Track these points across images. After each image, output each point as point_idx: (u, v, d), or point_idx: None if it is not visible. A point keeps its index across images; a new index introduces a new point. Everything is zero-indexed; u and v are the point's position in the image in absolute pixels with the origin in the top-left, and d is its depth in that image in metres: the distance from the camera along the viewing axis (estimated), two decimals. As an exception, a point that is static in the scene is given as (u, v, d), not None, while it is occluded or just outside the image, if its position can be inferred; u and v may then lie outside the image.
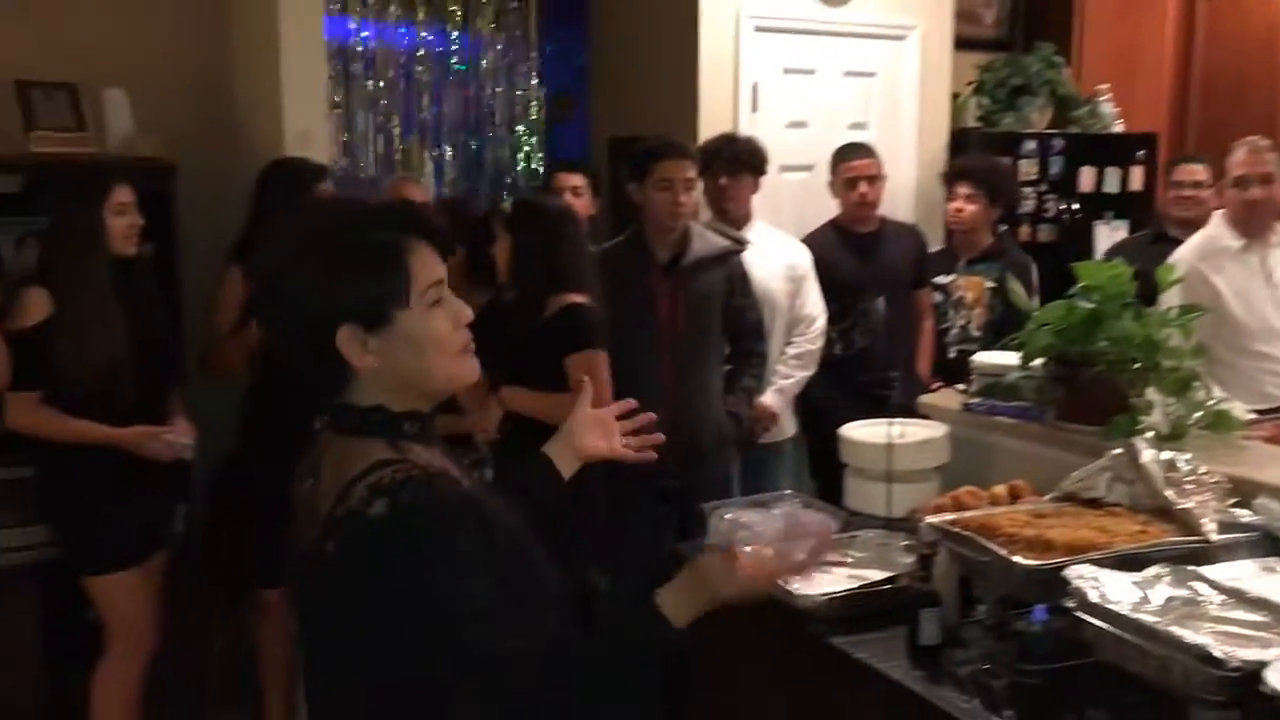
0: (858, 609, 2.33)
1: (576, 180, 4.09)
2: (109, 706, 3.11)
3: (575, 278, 3.03)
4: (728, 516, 2.84)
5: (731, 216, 3.80)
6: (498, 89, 5.08)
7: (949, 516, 2.30)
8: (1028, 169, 5.24)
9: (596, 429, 1.87)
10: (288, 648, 3.40)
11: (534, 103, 5.16)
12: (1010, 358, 2.85)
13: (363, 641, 1.39)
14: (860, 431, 2.95)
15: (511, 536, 1.47)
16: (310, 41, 3.71)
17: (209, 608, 3.60)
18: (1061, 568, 1.94)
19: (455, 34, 4.96)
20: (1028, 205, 5.22)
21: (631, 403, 1.94)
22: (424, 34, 4.88)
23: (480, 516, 1.42)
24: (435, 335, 1.47)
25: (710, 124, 4.34)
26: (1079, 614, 1.84)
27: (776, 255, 3.83)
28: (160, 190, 3.51)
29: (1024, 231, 5.17)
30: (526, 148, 5.18)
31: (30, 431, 2.96)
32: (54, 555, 3.25)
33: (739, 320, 3.51)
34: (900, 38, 4.80)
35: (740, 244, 3.58)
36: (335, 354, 1.43)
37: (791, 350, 3.81)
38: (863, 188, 4.08)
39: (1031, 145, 5.27)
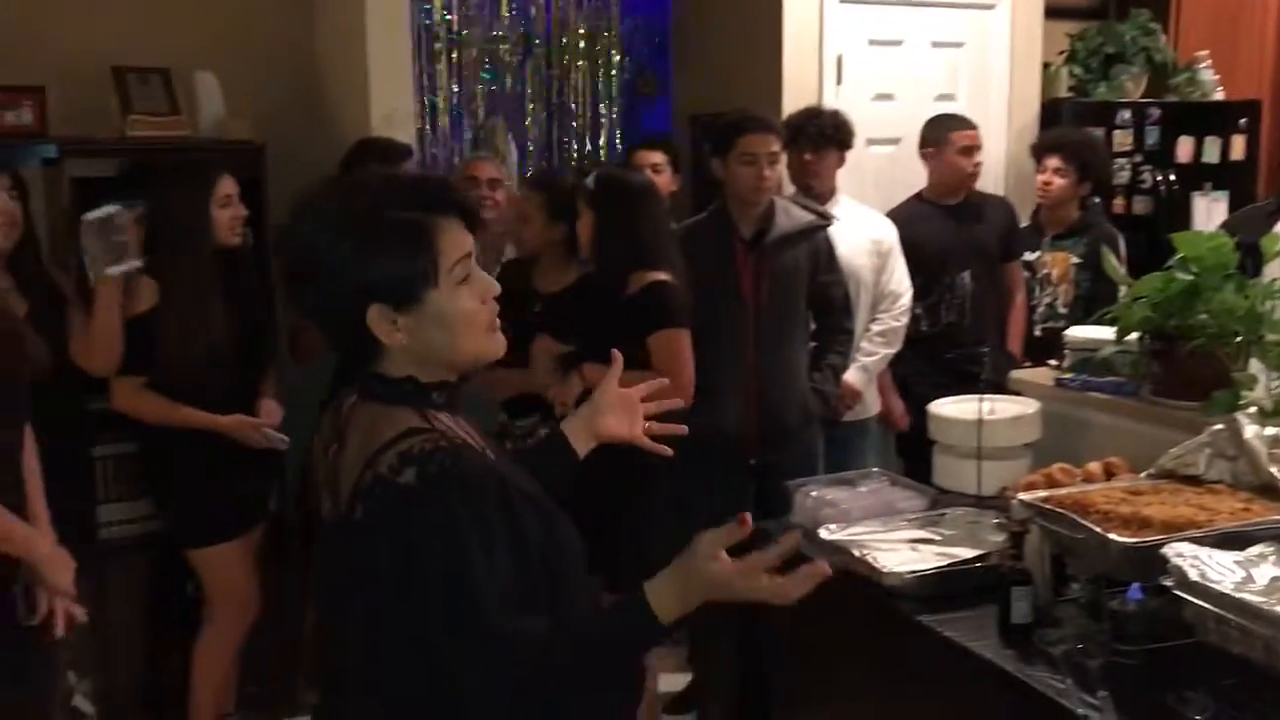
0: (947, 586, 2.30)
1: (656, 157, 4.07)
2: (208, 672, 3.22)
3: (657, 254, 3.01)
4: (813, 494, 2.84)
5: (816, 192, 3.76)
6: (578, 65, 5.09)
7: (1041, 493, 2.26)
8: (1122, 139, 5.10)
9: (620, 410, 1.82)
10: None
11: (615, 80, 5.16)
12: (1104, 332, 2.78)
13: (382, 608, 1.41)
14: (950, 408, 2.91)
15: (533, 506, 1.48)
16: (395, 23, 3.75)
17: (302, 582, 3.67)
18: (1159, 545, 1.89)
19: (536, 12, 4.97)
20: (1122, 177, 5.08)
21: (663, 382, 1.91)
22: (506, 13, 4.90)
23: (504, 488, 1.43)
24: (463, 312, 1.47)
25: (794, 97, 4.29)
26: (1178, 593, 1.79)
27: (862, 230, 3.78)
28: (251, 173, 3.57)
29: (1118, 204, 5.04)
30: (606, 125, 5.18)
31: (134, 414, 3.06)
32: (157, 528, 3.35)
33: (824, 296, 3.47)
34: (989, 6, 4.70)
35: (825, 219, 3.53)
36: (365, 330, 1.45)
37: (876, 327, 3.76)
38: (977, 157, 4.01)
39: (1126, 115, 5.12)
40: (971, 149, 4.01)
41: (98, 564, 3.27)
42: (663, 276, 2.98)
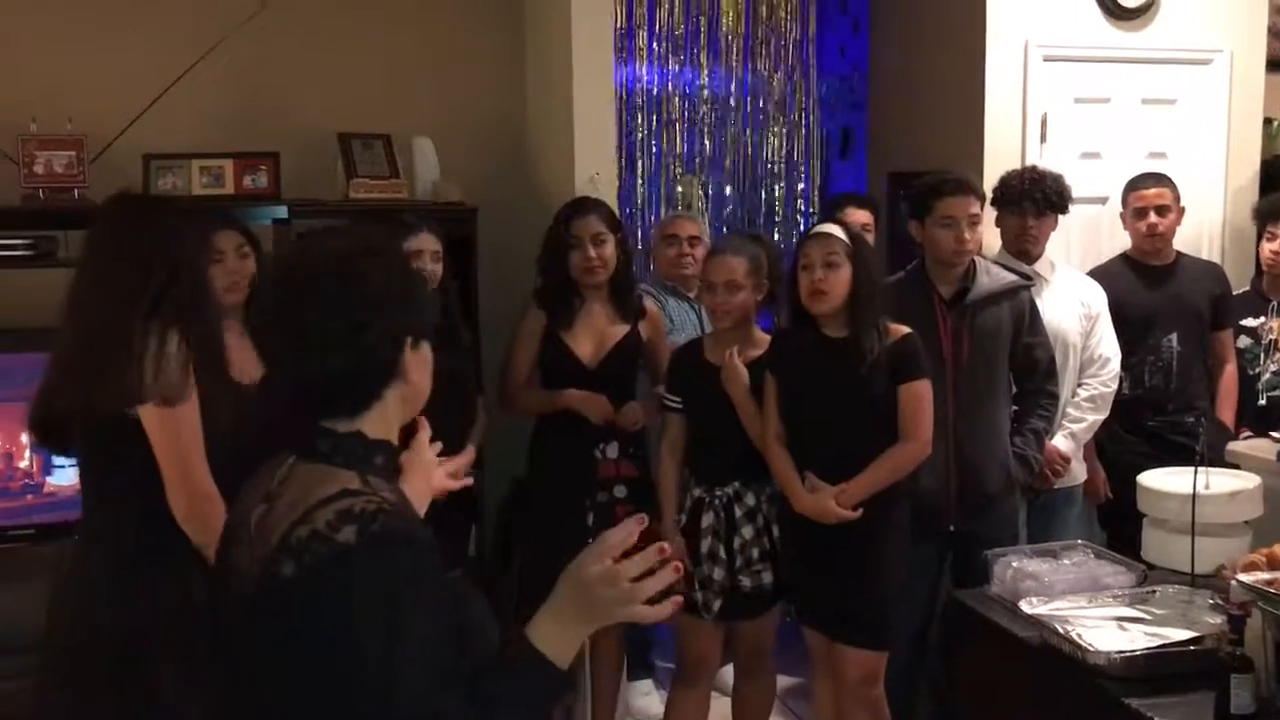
0: (1158, 669, 2.21)
1: (864, 217, 4.03)
2: None
3: (888, 309, 3.01)
4: (1014, 565, 2.77)
5: (1031, 256, 3.69)
6: (775, 127, 5.15)
7: (1264, 575, 2.15)
8: (1351, 199, 4.80)
9: (420, 477, 1.80)
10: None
11: (812, 139, 5.19)
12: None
13: (303, 671, 1.34)
14: (1161, 480, 2.80)
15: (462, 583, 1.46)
16: (600, 90, 3.87)
17: (500, 626, 3.77)
18: (1398, 639, 1.77)
19: (734, 74, 5.06)
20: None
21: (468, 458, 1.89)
22: (705, 76, 5.01)
23: (436, 558, 1.39)
24: (430, 359, 1.54)
25: (996, 157, 4.23)
26: None
27: (1070, 292, 3.69)
28: (463, 233, 3.74)
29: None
30: (801, 184, 5.21)
31: None
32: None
33: (1028, 358, 3.39)
34: (1205, 62, 4.52)
35: (1028, 279, 3.46)
36: (393, 369, 1.47)
37: (1084, 392, 3.65)
38: (1151, 218, 3.88)
39: (1356, 173, 4.83)
40: (1144, 210, 3.89)
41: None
42: (908, 330, 2.99)
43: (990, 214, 3.67)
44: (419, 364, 1.51)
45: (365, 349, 1.43)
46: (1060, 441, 3.56)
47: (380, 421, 1.48)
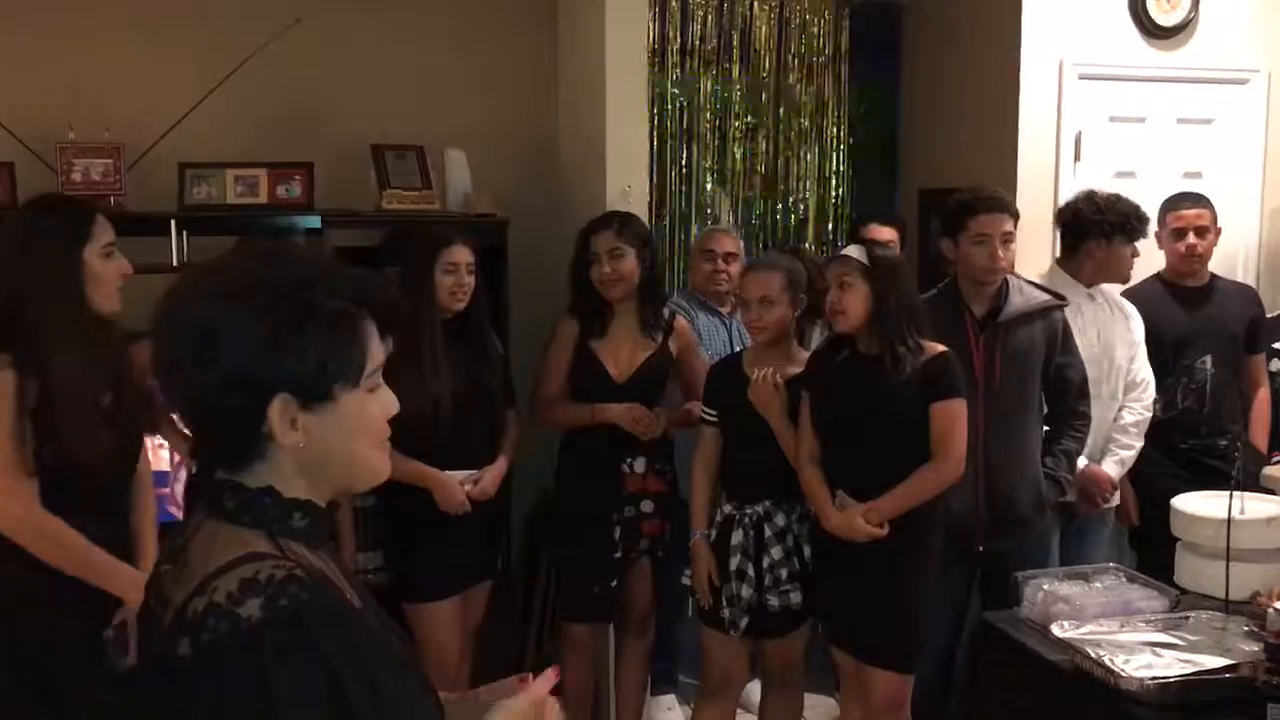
0: (1193, 696, 2.18)
1: (887, 234, 4.05)
2: None
3: (925, 325, 2.99)
4: (1045, 588, 2.75)
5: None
6: (805, 143, 5.14)
7: (1301, 604, 2.12)
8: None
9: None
10: (591, 684, 3.55)
11: (842, 154, 5.18)
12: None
13: None
14: (1196, 504, 2.77)
15: (394, 660, 1.27)
16: (633, 104, 3.88)
17: (523, 641, 3.77)
18: None
19: (765, 89, 5.05)
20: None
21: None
22: (736, 89, 5.00)
23: (364, 633, 1.23)
24: (369, 422, 1.30)
25: (1030, 175, 4.22)
26: None
27: (1115, 313, 3.69)
28: (494, 244, 3.75)
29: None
30: (832, 199, 5.19)
31: None
32: (386, 580, 3.49)
33: (1061, 378, 3.36)
34: (1243, 81, 4.50)
35: (1061, 299, 3.44)
36: (252, 427, 1.23)
37: (1129, 417, 3.62)
38: (1190, 239, 3.85)
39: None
40: (1182, 231, 3.87)
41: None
42: (944, 348, 2.97)
43: (1022, 232, 3.64)
44: (320, 425, 1.25)
45: (220, 402, 1.22)
46: (1110, 468, 3.55)
47: (281, 479, 1.27)
